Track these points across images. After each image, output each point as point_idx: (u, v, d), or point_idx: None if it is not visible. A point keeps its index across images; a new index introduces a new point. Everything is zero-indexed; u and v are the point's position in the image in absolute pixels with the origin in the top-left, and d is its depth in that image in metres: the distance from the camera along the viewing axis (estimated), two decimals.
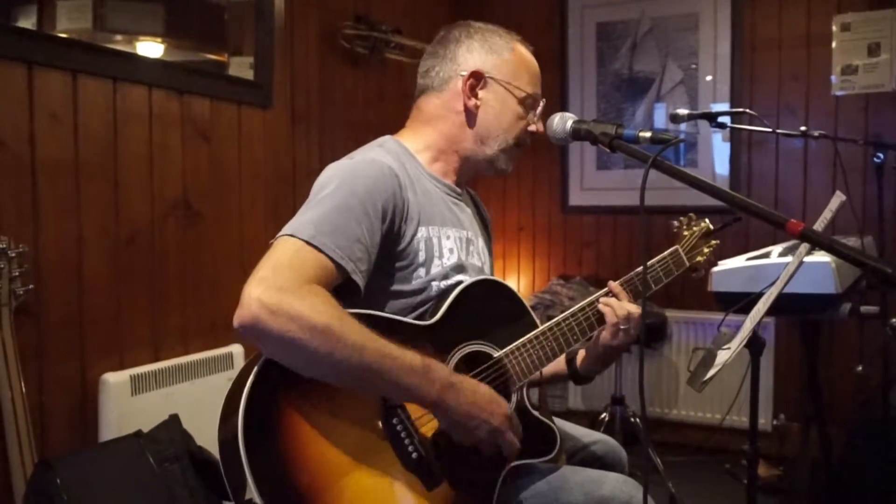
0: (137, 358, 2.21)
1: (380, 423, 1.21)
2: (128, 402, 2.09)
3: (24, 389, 1.78)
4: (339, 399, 1.18)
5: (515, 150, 1.53)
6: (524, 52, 1.54)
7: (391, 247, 1.34)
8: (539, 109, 1.54)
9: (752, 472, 1.67)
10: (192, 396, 2.26)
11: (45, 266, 1.96)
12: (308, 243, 1.18)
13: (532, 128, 1.53)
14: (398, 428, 1.22)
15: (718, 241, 1.73)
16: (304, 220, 1.22)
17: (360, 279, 1.23)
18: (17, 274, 1.80)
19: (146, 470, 1.86)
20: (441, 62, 1.51)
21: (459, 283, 1.42)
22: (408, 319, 1.34)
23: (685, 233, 1.71)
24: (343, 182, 1.28)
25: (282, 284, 1.10)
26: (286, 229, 1.21)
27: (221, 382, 2.37)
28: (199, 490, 1.92)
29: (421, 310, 1.38)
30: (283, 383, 1.14)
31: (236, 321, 1.09)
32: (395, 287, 1.36)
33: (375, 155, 1.38)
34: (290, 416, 1.13)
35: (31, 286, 1.85)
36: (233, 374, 2.40)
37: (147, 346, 2.27)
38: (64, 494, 1.68)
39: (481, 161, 1.51)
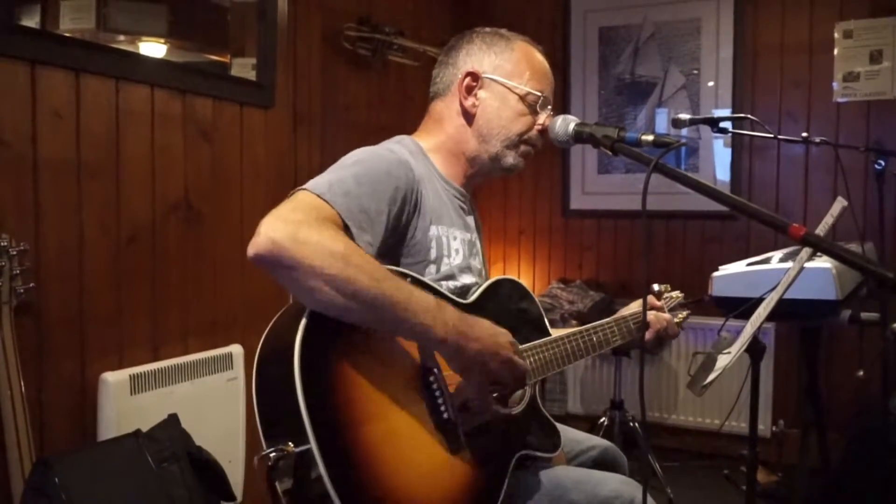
0: (137, 357, 2.21)
1: (419, 378, 1.25)
2: (127, 402, 2.08)
3: (23, 388, 1.78)
4: (385, 348, 1.23)
5: (523, 147, 1.53)
6: (529, 50, 1.54)
7: (401, 237, 1.36)
8: (542, 103, 1.52)
9: (750, 478, 1.67)
10: (191, 396, 2.26)
11: (45, 265, 1.96)
12: (320, 197, 1.20)
13: (539, 124, 1.52)
14: (434, 386, 1.26)
15: (690, 312, 1.91)
16: (319, 180, 1.25)
17: (363, 245, 1.24)
18: (17, 272, 1.80)
19: (145, 469, 1.85)
20: (444, 69, 1.55)
21: (466, 284, 1.46)
22: (446, 293, 1.38)
23: (666, 295, 1.86)
24: (361, 160, 1.32)
25: (298, 219, 1.12)
26: (302, 186, 1.24)
27: (221, 382, 2.37)
28: (198, 490, 1.92)
29: None
30: (334, 329, 1.16)
31: (251, 250, 1.10)
32: None
33: (395, 148, 1.42)
34: (339, 353, 1.16)
35: (31, 284, 1.85)
36: (232, 374, 2.42)
37: (147, 345, 2.26)
38: (62, 493, 1.68)
39: (486, 160, 1.52)
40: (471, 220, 1.60)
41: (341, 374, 1.15)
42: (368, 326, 1.19)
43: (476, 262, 1.55)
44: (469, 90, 1.50)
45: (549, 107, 1.54)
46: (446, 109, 1.53)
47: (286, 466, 1.09)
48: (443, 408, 1.26)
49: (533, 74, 1.51)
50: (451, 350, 1.22)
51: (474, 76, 1.50)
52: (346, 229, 1.21)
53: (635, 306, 1.72)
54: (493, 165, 1.53)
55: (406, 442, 1.20)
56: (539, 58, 1.55)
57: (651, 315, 1.70)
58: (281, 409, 1.11)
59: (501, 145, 1.51)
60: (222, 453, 2.09)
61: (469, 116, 1.51)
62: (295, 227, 1.10)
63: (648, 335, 1.70)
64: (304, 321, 1.13)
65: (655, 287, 1.84)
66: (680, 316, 1.85)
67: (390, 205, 1.30)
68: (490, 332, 1.28)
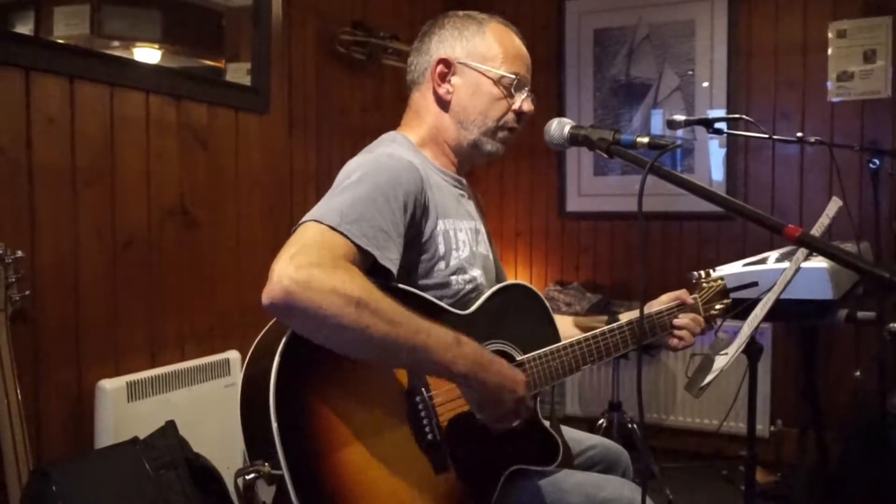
0: (134, 364, 2.20)
1: (403, 401, 1.24)
2: (124, 409, 2.08)
3: (19, 396, 1.77)
4: (366, 372, 1.21)
5: (501, 133, 1.51)
6: (502, 31, 1.51)
7: (413, 241, 1.34)
8: (517, 85, 1.49)
9: (749, 478, 1.67)
10: (188, 403, 2.26)
11: (41, 272, 1.95)
12: (333, 229, 1.17)
13: (516, 106, 1.50)
14: (420, 407, 1.25)
15: (731, 301, 1.76)
16: (328, 207, 1.21)
17: (389, 265, 1.23)
18: (13, 280, 1.80)
19: (142, 477, 1.85)
20: (418, 56, 1.54)
21: (473, 276, 1.44)
22: (447, 306, 1.36)
23: (704, 285, 1.74)
24: (367, 174, 1.29)
25: (311, 261, 1.09)
26: (310, 215, 1.20)
27: (218, 389, 2.37)
28: (196, 497, 1.92)
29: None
30: (315, 350, 1.14)
31: (266, 298, 1.08)
32: (417, 282, 1.36)
33: (394, 150, 1.39)
34: (317, 380, 1.16)
35: (27, 292, 1.84)
36: (230, 380, 2.42)
37: (143, 352, 2.26)
38: (60, 502, 1.68)
39: (467, 147, 1.51)
40: (471, 205, 1.58)
41: (318, 400, 1.15)
42: (388, 366, 1.20)
43: (482, 249, 1.53)
44: (442, 77, 1.48)
45: (527, 88, 1.52)
46: (422, 99, 1.51)
47: (263, 486, 1.10)
48: (427, 429, 1.25)
49: (507, 57, 1.48)
50: (472, 384, 1.22)
51: (446, 63, 1.47)
52: (367, 255, 1.19)
53: (666, 299, 1.65)
54: (473, 152, 1.52)
55: (386, 466, 1.19)
56: (513, 38, 1.52)
57: (679, 315, 1.63)
58: (259, 432, 1.12)
59: (479, 132, 1.49)
60: (220, 460, 2.09)
61: (444, 104, 1.49)
62: (307, 272, 1.07)
63: (672, 341, 1.64)
64: (281, 346, 1.12)
65: (694, 275, 1.74)
66: (718, 307, 1.72)
67: (406, 214, 1.29)
68: (508, 368, 1.27)
